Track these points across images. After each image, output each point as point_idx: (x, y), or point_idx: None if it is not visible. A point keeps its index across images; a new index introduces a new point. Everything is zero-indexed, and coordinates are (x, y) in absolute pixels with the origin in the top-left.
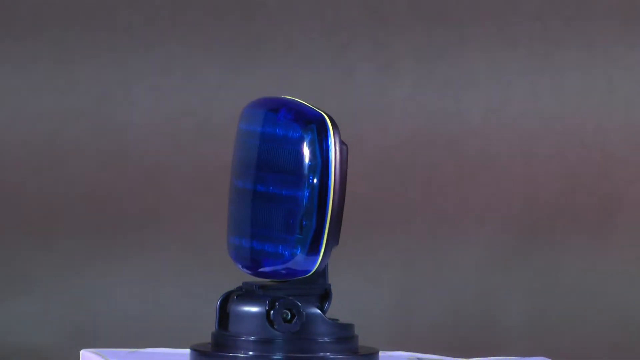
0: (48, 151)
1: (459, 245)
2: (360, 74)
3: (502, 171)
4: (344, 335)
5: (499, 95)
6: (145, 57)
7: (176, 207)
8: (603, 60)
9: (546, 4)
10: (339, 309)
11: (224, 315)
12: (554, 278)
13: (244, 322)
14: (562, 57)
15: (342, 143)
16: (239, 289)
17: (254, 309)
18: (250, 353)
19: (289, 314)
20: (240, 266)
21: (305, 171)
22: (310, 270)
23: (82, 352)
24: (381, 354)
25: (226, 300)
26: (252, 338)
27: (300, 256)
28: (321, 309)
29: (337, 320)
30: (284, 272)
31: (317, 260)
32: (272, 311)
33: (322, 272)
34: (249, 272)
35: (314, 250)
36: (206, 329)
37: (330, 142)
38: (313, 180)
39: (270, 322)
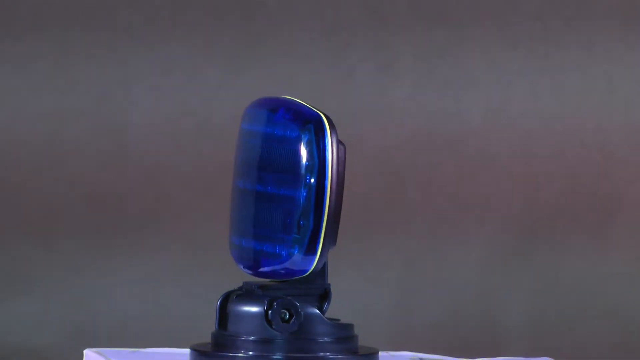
0: (48, 151)
1: (459, 245)
2: (360, 74)
3: (502, 171)
4: (344, 335)
5: (499, 95)
6: (145, 57)
7: (176, 207)
8: (603, 60)
9: (546, 4)
10: (339, 309)
11: (224, 315)
12: (554, 278)
13: (243, 322)
14: (562, 57)
15: (339, 143)
16: (240, 289)
17: (253, 309)
18: (250, 353)
19: (287, 314)
20: (242, 267)
21: (303, 171)
22: (308, 270)
23: (85, 351)
24: (384, 354)
25: (226, 300)
26: (251, 338)
27: (297, 256)
28: (320, 309)
29: (337, 320)
30: (282, 272)
31: (314, 260)
32: (270, 311)
33: (322, 272)
34: (250, 272)
35: (311, 250)
36: (206, 329)
37: (327, 142)
38: (310, 180)
39: (269, 322)
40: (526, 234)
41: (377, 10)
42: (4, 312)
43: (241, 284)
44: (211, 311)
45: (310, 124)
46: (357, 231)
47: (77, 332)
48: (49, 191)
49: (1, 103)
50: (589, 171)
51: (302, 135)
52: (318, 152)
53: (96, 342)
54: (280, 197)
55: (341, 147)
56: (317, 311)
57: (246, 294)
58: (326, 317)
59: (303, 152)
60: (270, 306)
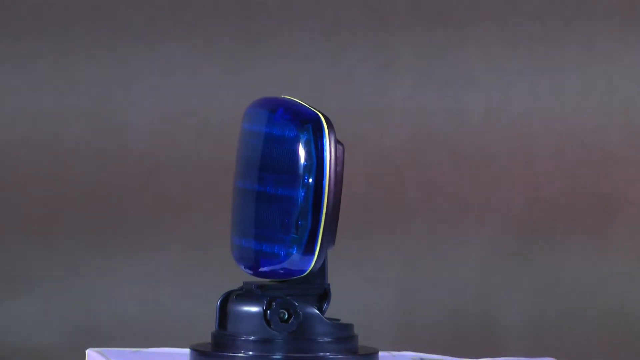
0: (48, 151)
1: (459, 245)
2: (360, 74)
3: (502, 171)
4: (343, 335)
5: (499, 95)
6: (145, 57)
7: (176, 207)
8: (603, 60)
9: (546, 4)
10: (339, 309)
11: (224, 315)
12: (554, 278)
13: (242, 322)
14: (562, 57)
15: (337, 143)
16: (240, 289)
17: (252, 308)
18: (250, 353)
19: (286, 313)
20: (242, 267)
21: (301, 171)
22: (306, 270)
23: (87, 351)
24: (385, 354)
25: (226, 300)
26: (251, 338)
27: (295, 256)
28: (320, 309)
29: (338, 320)
30: (281, 271)
31: (312, 260)
32: (268, 311)
33: (322, 272)
34: (251, 272)
35: (309, 250)
36: (206, 329)
37: (325, 142)
38: (308, 180)
39: (267, 322)
40: (526, 234)
41: (377, 10)
42: (4, 312)
43: (241, 284)
44: (211, 311)
45: (308, 124)
46: (357, 231)
47: (77, 332)
48: (49, 191)
49: (1, 103)
50: (589, 171)
51: (300, 135)
52: (316, 152)
53: (96, 342)
54: (278, 197)
55: (339, 147)
56: (317, 311)
57: (246, 294)
58: (326, 317)
59: (301, 152)
60: (269, 306)
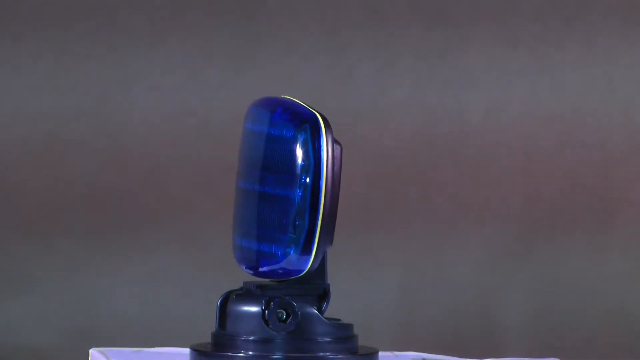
0: (48, 151)
1: (459, 245)
2: (360, 74)
3: (502, 171)
4: (343, 335)
5: (499, 95)
6: (145, 57)
7: (176, 207)
8: (603, 60)
9: (546, 4)
10: (339, 309)
11: (224, 315)
12: (554, 278)
13: (242, 322)
14: (562, 57)
15: (335, 143)
16: (240, 289)
17: (251, 308)
18: (250, 353)
19: (285, 313)
20: (244, 267)
21: (298, 171)
22: (303, 270)
23: (90, 351)
24: (388, 354)
25: (227, 300)
26: (251, 338)
27: (293, 256)
28: (320, 309)
29: (338, 320)
30: (280, 271)
31: (309, 260)
32: (266, 311)
33: (321, 272)
34: (251, 272)
35: (306, 250)
36: (206, 329)
37: (323, 142)
38: (305, 180)
39: (266, 322)
40: (526, 234)
41: (377, 10)
42: (4, 312)
43: (241, 284)
44: (211, 311)
45: (306, 124)
46: (357, 231)
47: (77, 332)
48: (49, 191)
49: (1, 103)
50: (589, 171)
51: (298, 135)
52: (313, 152)
53: (96, 342)
54: (277, 197)
55: (337, 147)
56: (316, 311)
57: (245, 294)
58: (327, 318)
59: (299, 152)
60: (267, 306)
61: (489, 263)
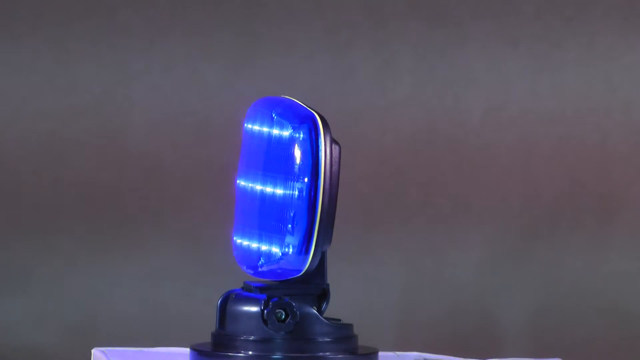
0: (48, 151)
1: (459, 245)
2: (360, 74)
3: (502, 171)
4: (342, 335)
5: (499, 95)
6: (145, 57)
7: (176, 207)
8: (603, 60)
9: (546, 4)
10: (339, 309)
11: (224, 315)
12: (554, 278)
13: (242, 322)
14: (562, 57)
15: (333, 143)
16: (241, 289)
17: (250, 308)
18: (250, 353)
19: (284, 313)
20: (244, 267)
21: (297, 171)
22: (302, 270)
23: (93, 351)
24: (389, 354)
25: (227, 300)
26: (251, 338)
27: (291, 256)
28: (319, 308)
29: (339, 320)
30: (279, 271)
31: (307, 260)
32: (265, 311)
33: (321, 272)
34: (251, 272)
35: (304, 250)
36: (206, 328)
37: (321, 142)
38: (304, 180)
39: (265, 322)
40: (526, 234)
41: (377, 10)
42: (4, 312)
43: (242, 284)
44: (211, 311)
45: (304, 124)
46: (357, 231)
47: (77, 332)
48: (49, 191)
49: (1, 103)
50: (589, 171)
51: (296, 135)
52: (312, 152)
53: (96, 342)
54: (275, 196)
55: (336, 147)
56: (315, 311)
57: (245, 294)
58: (327, 318)
59: (297, 151)
60: (266, 306)
61: (489, 263)
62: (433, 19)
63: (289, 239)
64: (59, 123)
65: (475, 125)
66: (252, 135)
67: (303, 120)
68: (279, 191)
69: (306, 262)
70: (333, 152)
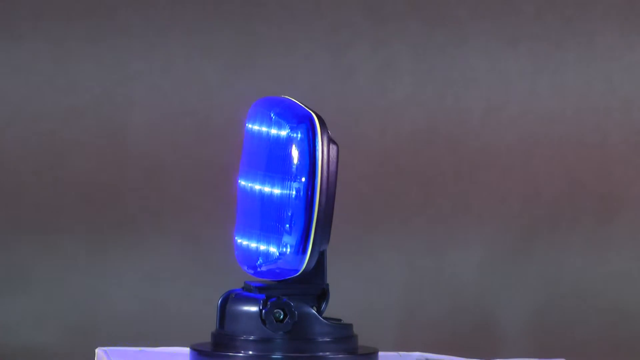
0: (48, 151)
1: (459, 245)
2: (360, 74)
3: (502, 171)
4: (342, 335)
5: (499, 95)
6: (145, 57)
7: (176, 207)
8: (603, 60)
9: (546, 4)
10: (339, 309)
11: (224, 314)
12: (554, 278)
13: (241, 322)
14: (562, 57)
15: (331, 143)
16: (241, 289)
17: (250, 308)
18: (250, 353)
19: (282, 313)
20: (245, 267)
21: (294, 170)
22: (299, 270)
23: (97, 350)
24: (392, 354)
25: (227, 300)
26: (251, 338)
27: (289, 255)
28: (318, 308)
29: (340, 320)
30: (277, 271)
31: (305, 259)
32: (264, 311)
33: (320, 272)
34: (251, 272)
35: (302, 249)
36: (206, 328)
37: (318, 142)
38: (301, 180)
39: (263, 322)
40: (526, 233)
41: (377, 10)
42: (4, 312)
43: (242, 284)
44: (211, 311)
45: (301, 124)
46: (357, 231)
47: (77, 331)
48: (49, 191)
49: (1, 103)
50: (589, 171)
51: (294, 135)
52: (309, 151)
53: (96, 342)
54: (273, 196)
55: (333, 146)
56: (313, 311)
57: (245, 294)
58: (328, 318)
59: (294, 151)
60: (264, 306)
61: (489, 263)
62: (433, 19)
63: (286, 238)
64: (59, 123)
65: (475, 125)
66: (252, 135)
67: (301, 120)
68: (277, 191)
69: (303, 262)
70: (330, 151)
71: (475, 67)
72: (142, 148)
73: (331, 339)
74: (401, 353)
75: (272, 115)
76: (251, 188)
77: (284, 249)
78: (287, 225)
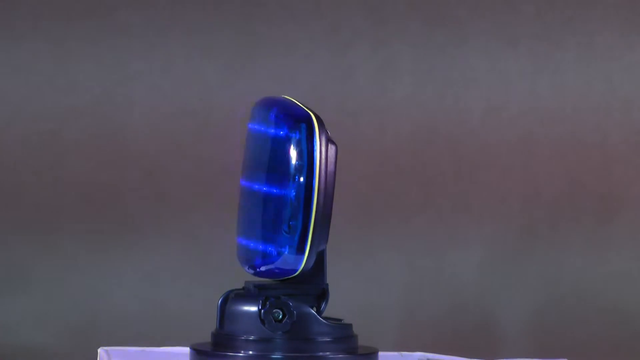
0: (48, 151)
1: (459, 245)
2: (360, 74)
3: (501, 171)
4: (341, 334)
5: (499, 95)
6: (145, 57)
7: (176, 207)
8: (603, 60)
9: (546, 4)
10: (339, 309)
11: (224, 314)
12: (554, 278)
13: (241, 321)
14: (562, 57)
15: (329, 142)
16: (241, 289)
17: (250, 308)
18: (250, 353)
19: (281, 313)
20: (246, 267)
21: (292, 170)
22: (297, 270)
23: (100, 350)
24: (394, 354)
25: (227, 300)
26: (251, 338)
27: (287, 255)
28: (318, 308)
29: (341, 320)
30: (277, 271)
31: (303, 259)
32: (262, 310)
33: (320, 272)
34: (252, 271)
35: (300, 249)
36: (206, 328)
37: (316, 142)
38: (299, 180)
39: (262, 322)
40: (526, 233)
41: (377, 10)
42: (4, 312)
43: (242, 284)
44: (211, 311)
45: (299, 123)
46: (357, 231)
47: (77, 332)
48: (48, 191)
49: (1, 103)
50: (589, 171)
51: (292, 135)
52: (307, 151)
53: (96, 342)
54: (272, 196)
55: (332, 146)
56: (312, 311)
57: (245, 293)
58: (329, 318)
59: (292, 151)
60: (263, 306)
61: (489, 263)
62: (433, 19)
63: (284, 238)
64: (59, 123)
65: (475, 125)
66: (252, 134)
67: (299, 120)
68: (276, 191)
69: (302, 262)
70: (329, 151)
71: (475, 67)
72: (142, 148)
73: (331, 339)
74: (403, 353)
75: (271, 115)
76: (251, 188)
77: (283, 249)
78: (286, 225)
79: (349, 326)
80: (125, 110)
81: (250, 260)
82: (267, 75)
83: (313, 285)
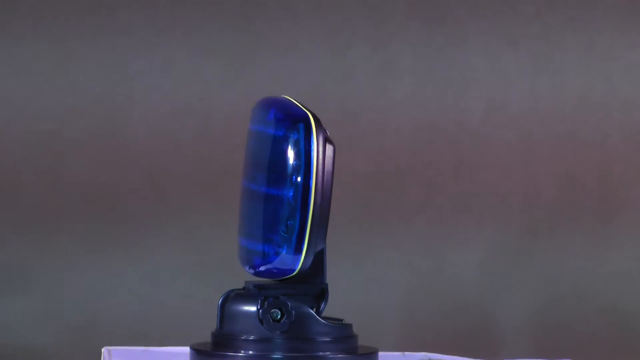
0: (48, 151)
1: (459, 245)
2: (360, 74)
3: (501, 171)
4: (341, 334)
5: (499, 95)
6: (145, 57)
7: (176, 207)
8: (603, 60)
9: (546, 4)
10: (339, 309)
11: (224, 314)
12: (554, 278)
13: (240, 321)
14: (562, 57)
15: (327, 142)
16: (241, 288)
17: (249, 308)
18: (250, 352)
19: (279, 313)
20: (247, 267)
21: (290, 170)
22: (295, 269)
23: (103, 350)
24: (396, 354)
25: (227, 299)
26: (251, 337)
27: (285, 255)
28: (318, 308)
29: (341, 320)
30: (275, 271)
31: (300, 259)
32: (261, 310)
33: (320, 272)
34: (252, 271)
35: (298, 249)
36: (206, 328)
37: (313, 141)
38: (297, 179)
39: (261, 321)
40: (526, 234)
41: (377, 10)
42: (4, 312)
43: (242, 284)
44: (211, 311)
45: (297, 123)
46: (357, 231)
47: (77, 332)
48: (49, 191)
49: (1, 102)
50: (589, 171)
51: (290, 135)
52: (305, 151)
53: (96, 342)
54: (270, 196)
55: (329, 146)
56: (311, 311)
57: (244, 293)
58: (330, 318)
59: (290, 151)
60: (262, 305)
61: (489, 263)
62: (433, 19)
63: (282, 238)
64: (59, 123)
65: (475, 125)
66: (252, 134)
67: (297, 120)
68: (274, 191)
69: (299, 262)
70: (326, 151)
71: (475, 67)
72: (142, 148)
73: (331, 338)
74: (406, 353)
75: (270, 115)
76: (250, 188)
77: (281, 249)
78: (284, 225)
79: (349, 326)
80: (125, 110)
81: (250, 260)
82: (267, 75)
83: (313, 285)
